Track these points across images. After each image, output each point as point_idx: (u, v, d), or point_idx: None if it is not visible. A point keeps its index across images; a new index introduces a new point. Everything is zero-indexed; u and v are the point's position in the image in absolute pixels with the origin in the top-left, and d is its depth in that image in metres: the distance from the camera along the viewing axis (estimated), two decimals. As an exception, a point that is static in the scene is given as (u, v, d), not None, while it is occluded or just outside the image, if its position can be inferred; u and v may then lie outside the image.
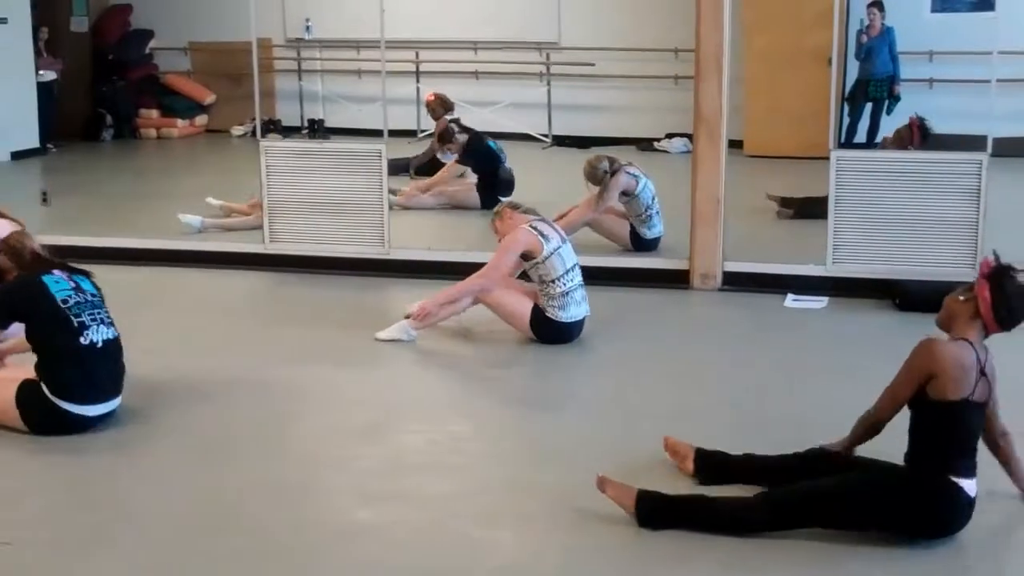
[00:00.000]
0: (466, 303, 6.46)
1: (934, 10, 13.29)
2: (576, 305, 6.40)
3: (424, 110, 12.63)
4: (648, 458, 4.68)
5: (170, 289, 7.88)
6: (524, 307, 6.38)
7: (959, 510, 3.95)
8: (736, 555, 3.94)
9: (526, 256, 6.35)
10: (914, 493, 3.93)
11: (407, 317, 6.52)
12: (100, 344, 5.04)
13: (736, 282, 7.71)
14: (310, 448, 5.05)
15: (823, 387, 5.70)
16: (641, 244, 8.52)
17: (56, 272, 5.12)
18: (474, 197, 10.36)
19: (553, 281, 6.30)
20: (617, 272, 7.76)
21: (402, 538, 4.12)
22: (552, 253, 6.30)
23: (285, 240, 8.39)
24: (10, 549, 4.03)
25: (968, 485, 3.93)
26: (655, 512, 4.10)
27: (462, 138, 10.77)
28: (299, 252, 8.33)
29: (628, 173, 8.50)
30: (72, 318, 4.99)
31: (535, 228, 6.37)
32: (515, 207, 6.67)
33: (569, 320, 6.38)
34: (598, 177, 8.48)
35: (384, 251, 8.21)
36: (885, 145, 9.97)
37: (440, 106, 11.85)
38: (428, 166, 11.50)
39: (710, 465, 4.51)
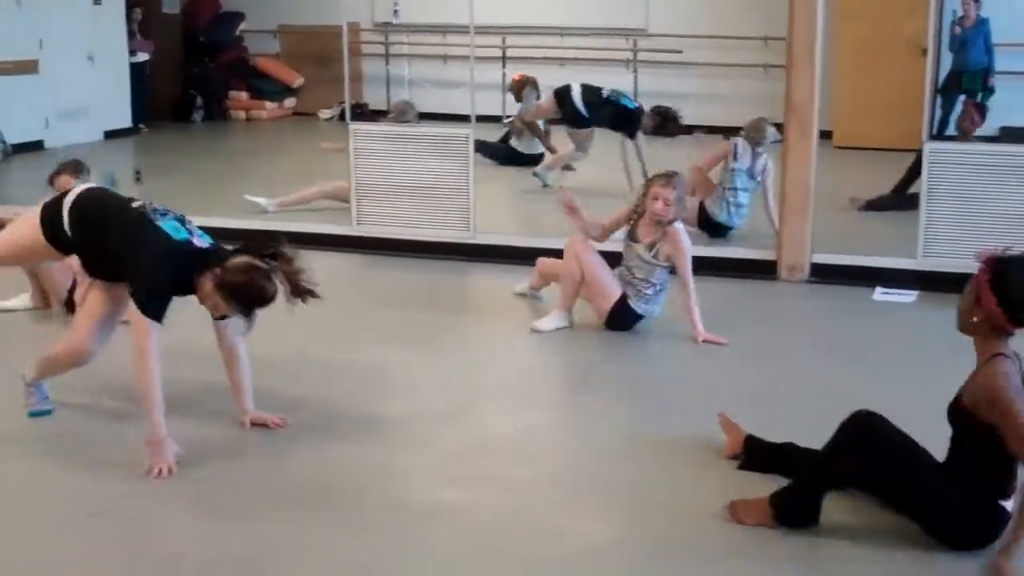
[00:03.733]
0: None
1: (1031, 1, 13.02)
2: (660, 306, 6.44)
3: (510, 97, 12.59)
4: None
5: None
6: (615, 291, 6.37)
7: (999, 530, 3.82)
8: (811, 542, 3.93)
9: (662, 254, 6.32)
10: (967, 515, 3.84)
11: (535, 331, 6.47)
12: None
13: (823, 274, 7.63)
14: (394, 429, 5.09)
15: (912, 382, 5.62)
16: (708, 225, 8.51)
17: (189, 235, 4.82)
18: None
19: (654, 284, 6.35)
20: (702, 261, 7.68)
21: (485, 520, 4.15)
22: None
23: (372, 222, 8.47)
24: (105, 517, 4.13)
25: (1009, 505, 3.82)
26: (791, 508, 4.00)
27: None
28: (386, 235, 8.42)
29: (734, 141, 8.57)
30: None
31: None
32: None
33: (647, 315, 6.42)
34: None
35: (470, 235, 8.24)
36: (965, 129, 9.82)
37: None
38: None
39: (753, 450, 4.51)
